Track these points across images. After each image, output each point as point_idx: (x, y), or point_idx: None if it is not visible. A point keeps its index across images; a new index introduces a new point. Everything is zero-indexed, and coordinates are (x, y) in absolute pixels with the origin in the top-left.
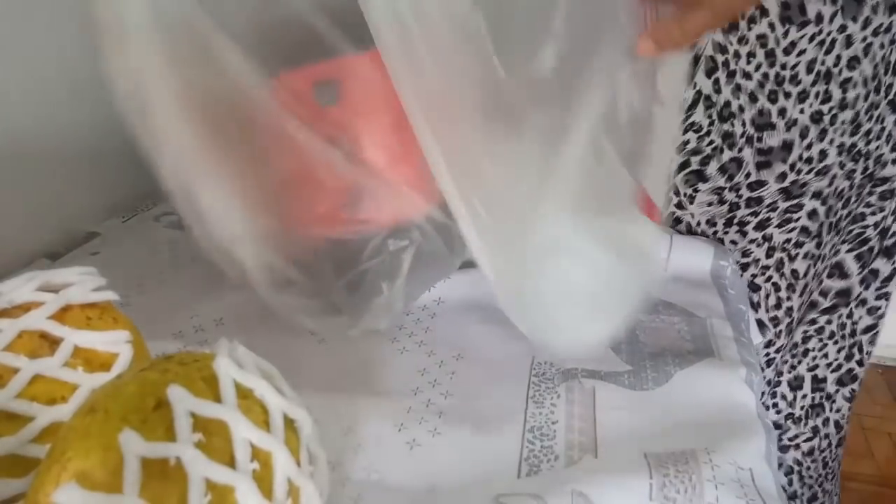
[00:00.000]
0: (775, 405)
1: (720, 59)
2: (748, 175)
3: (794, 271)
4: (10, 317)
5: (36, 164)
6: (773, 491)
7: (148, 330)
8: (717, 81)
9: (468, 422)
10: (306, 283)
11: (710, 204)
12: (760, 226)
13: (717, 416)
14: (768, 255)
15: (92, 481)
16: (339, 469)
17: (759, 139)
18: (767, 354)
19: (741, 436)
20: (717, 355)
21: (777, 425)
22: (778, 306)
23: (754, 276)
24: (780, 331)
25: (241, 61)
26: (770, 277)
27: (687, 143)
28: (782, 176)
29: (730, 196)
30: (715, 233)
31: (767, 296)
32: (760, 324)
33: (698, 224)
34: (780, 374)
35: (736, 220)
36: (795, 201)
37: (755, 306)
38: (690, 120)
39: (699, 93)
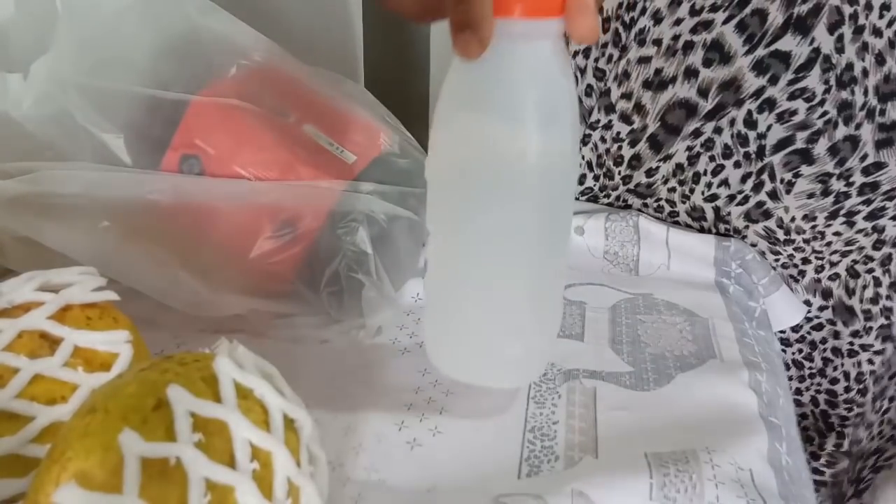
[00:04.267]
0: (881, 433)
1: (848, 10)
2: (864, 158)
3: None
4: (10, 317)
5: None
6: (775, 491)
7: (148, 330)
8: (840, 38)
9: (469, 422)
10: (299, 308)
11: (810, 195)
12: (872, 215)
13: (718, 416)
14: (875, 248)
15: (92, 481)
16: (339, 469)
17: (882, 112)
18: (852, 344)
19: (742, 436)
20: (718, 357)
21: (878, 450)
22: (875, 301)
23: (855, 262)
24: (871, 327)
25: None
26: (872, 270)
27: (794, 113)
28: None
29: (837, 185)
30: (814, 227)
31: (865, 287)
32: (851, 310)
33: (792, 219)
34: (892, 399)
35: (843, 212)
36: None
37: (850, 292)
38: (800, 85)
39: (816, 51)
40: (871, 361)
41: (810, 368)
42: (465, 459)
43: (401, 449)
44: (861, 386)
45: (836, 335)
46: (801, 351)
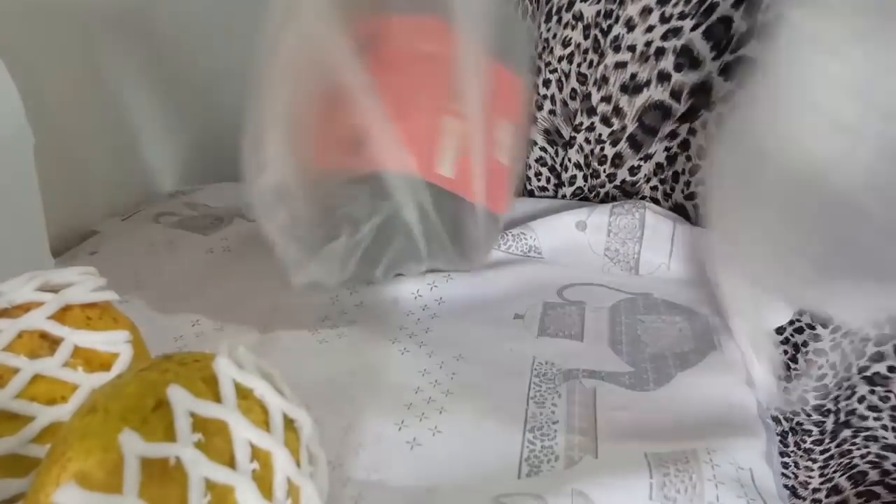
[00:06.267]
0: (895, 428)
1: None
2: None
3: None
4: (10, 317)
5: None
6: (774, 491)
7: (147, 330)
8: None
9: (469, 422)
10: (312, 228)
11: None
12: None
13: (717, 416)
14: None
15: (92, 481)
16: (339, 469)
17: None
18: (833, 339)
19: (741, 436)
20: (719, 348)
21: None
22: None
23: None
24: None
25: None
26: None
27: None
28: None
29: None
30: None
31: None
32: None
33: None
34: None
35: None
36: None
37: None
38: None
39: None
40: (851, 342)
41: (796, 370)
42: (465, 459)
43: (401, 449)
44: (846, 364)
45: (817, 338)
46: (786, 353)
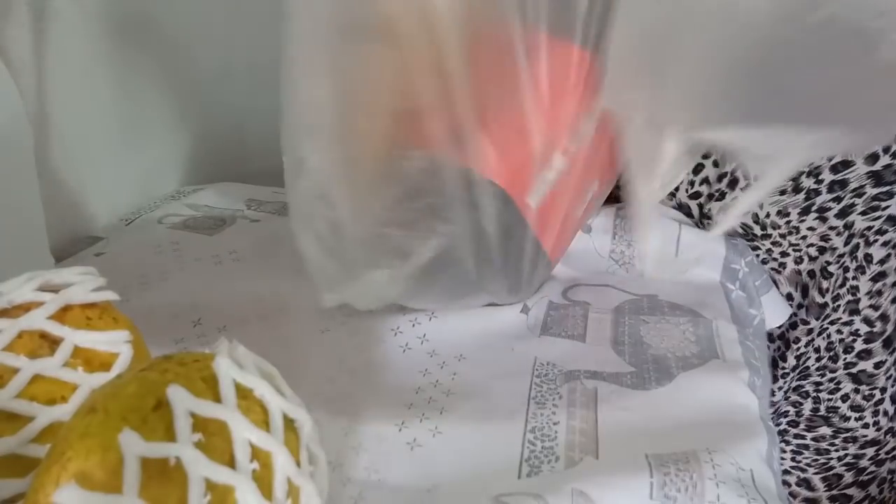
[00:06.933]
0: (876, 423)
1: None
2: (831, 156)
3: (867, 255)
4: (10, 317)
5: (40, 167)
6: (775, 491)
7: (149, 329)
8: None
9: (469, 422)
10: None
11: (782, 192)
12: (843, 213)
13: (718, 417)
14: (846, 244)
15: (91, 481)
16: (339, 469)
17: None
18: (823, 328)
19: (742, 437)
20: (721, 357)
21: (875, 441)
22: (842, 285)
23: (828, 262)
24: (839, 306)
25: None
26: (843, 263)
27: None
28: (873, 157)
29: (807, 182)
30: (788, 222)
31: (837, 280)
32: (823, 306)
33: (767, 215)
34: (883, 389)
35: (815, 208)
36: (886, 188)
37: (822, 292)
38: None
39: None
40: (839, 331)
41: (783, 368)
42: (465, 459)
43: (401, 449)
44: (832, 353)
45: (809, 332)
46: (779, 349)
